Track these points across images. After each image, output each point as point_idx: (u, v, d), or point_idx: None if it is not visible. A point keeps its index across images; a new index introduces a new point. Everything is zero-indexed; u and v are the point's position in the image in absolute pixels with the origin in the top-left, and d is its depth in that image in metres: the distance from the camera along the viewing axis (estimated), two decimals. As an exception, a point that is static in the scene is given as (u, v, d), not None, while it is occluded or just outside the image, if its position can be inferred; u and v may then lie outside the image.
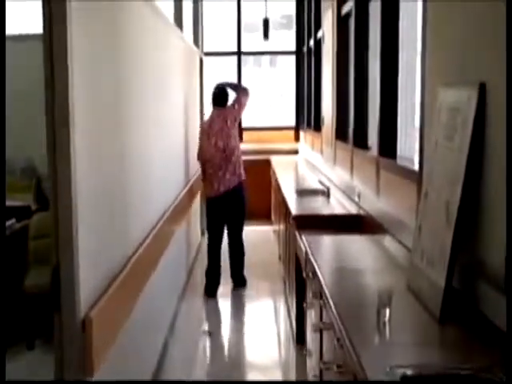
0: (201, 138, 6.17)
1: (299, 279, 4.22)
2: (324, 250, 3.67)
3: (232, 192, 5.95)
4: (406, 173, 3.22)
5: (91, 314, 2.25)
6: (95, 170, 2.48)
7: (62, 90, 2.09)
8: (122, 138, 3.02)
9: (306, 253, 3.46)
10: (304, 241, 3.61)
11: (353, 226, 4.20)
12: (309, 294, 3.36)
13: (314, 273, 3.07)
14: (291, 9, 10.45)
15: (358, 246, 3.53)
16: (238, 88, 6.30)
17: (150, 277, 3.62)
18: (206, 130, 6.08)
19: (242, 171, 6.08)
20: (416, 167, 3.09)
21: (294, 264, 4.38)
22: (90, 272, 2.31)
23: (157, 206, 4.09)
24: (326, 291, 2.60)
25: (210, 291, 5.93)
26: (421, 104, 2.90)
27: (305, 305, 3.53)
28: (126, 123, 3.12)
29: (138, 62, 3.49)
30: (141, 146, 3.51)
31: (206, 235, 6.25)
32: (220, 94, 6.12)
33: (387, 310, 2.19)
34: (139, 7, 3.47)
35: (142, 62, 3.63)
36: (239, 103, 6.11)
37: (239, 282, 6.17)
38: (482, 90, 2.10)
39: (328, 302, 2.50)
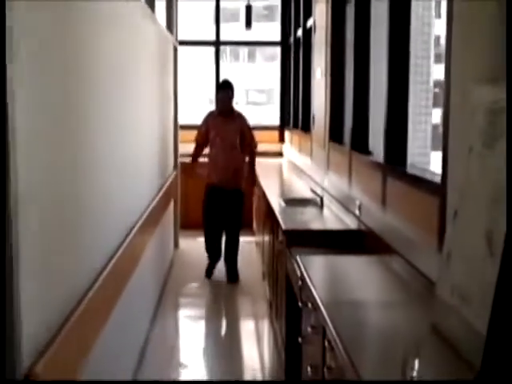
0: (201, 129, 6.68)
1: (290, 305, 3.87)
2: (323, 274, 3.34)
3: (231, 191, 6.51)
4: (423, 184, 2.93)
5: (36, 368, 1.87)
6: (47, 184, 2.11)
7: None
8: (73, 147, 2.60)
9: (302, 278, 3.13)
10: (299, 262, 3.27)
11: (352, 244, 3.92)
12: (305, 327, 3.02)
13: (314, 304, 2.74)
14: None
15: (362, 270, 3.21)
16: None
17: (113, 309, 3.22)
18: (210, 125, 6.57)
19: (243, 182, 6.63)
20: (435, 178, 2.81)
21: (284, 288, 4.03)
22: (33, 317, 1.93)
23: (120, 225, 3.65)
24: (334, 333, 2.28)
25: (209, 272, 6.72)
26: (445, 104, 2.59)
27: (300, 339, 3.18)
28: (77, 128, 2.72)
29: (98, 46, 3.10)
30: (99, 154, 3.08)
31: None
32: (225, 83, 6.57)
33: (415, 362, 1.88)
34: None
35: (103, 46, 3.24)
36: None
37: (233, 278, 6.65)
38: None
39: (337, 346, 2.19)
